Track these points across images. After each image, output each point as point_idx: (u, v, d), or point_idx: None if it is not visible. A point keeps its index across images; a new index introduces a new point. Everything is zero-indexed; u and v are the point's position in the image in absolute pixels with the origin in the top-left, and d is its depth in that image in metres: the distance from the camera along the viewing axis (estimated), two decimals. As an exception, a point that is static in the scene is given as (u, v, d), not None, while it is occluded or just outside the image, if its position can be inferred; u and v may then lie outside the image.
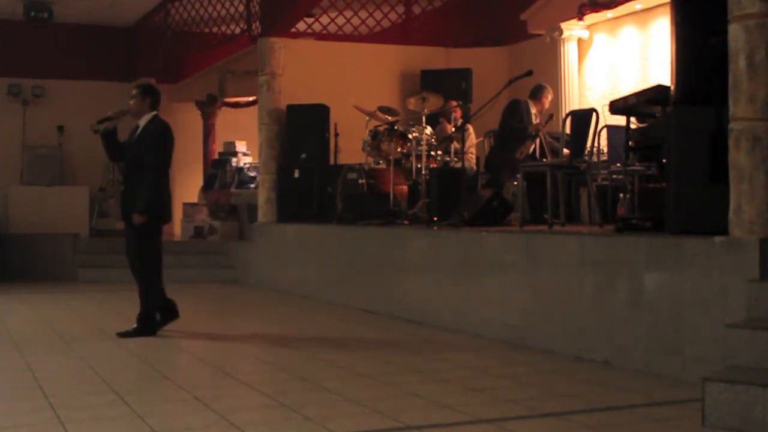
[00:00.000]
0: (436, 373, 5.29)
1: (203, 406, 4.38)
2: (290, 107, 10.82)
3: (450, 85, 11.02)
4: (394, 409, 4.27)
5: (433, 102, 9.33)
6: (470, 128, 9.79)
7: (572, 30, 10.50)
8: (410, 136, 9.17)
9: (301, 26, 11.62)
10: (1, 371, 5.54)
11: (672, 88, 5.47)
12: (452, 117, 10.18)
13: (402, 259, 7.77)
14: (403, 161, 9.42)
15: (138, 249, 6.69)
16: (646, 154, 6.69)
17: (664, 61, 7.91)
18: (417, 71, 11.47)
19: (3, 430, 3.98)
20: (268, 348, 6.45)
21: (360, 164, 9.70)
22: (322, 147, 10.68)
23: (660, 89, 6.06)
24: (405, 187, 9.38)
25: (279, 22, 10.80)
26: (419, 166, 9.06)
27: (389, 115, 9.70)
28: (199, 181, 14.44)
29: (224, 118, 14.87)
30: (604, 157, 8.09)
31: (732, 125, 4.63)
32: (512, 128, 8.46)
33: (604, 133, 7.91)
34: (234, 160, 13.58)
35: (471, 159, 9.68)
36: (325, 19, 11.79)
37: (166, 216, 6.86)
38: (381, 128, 9.47)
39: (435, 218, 8.12)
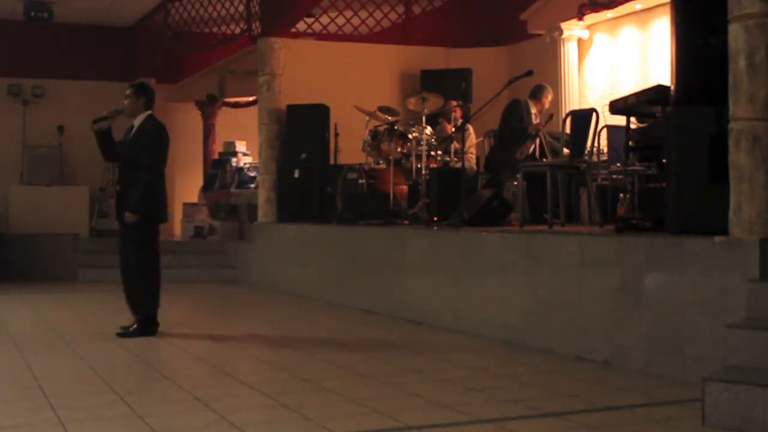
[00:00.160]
0: (436, 373, 5.29)
1: (203, 406, 4.38)
2: (290, 107, 10.83)
3: (450, 85, 11.02)
4: (394, 409, 4.27)
5: (433, 102, 9.33)
6: (470, 128, 9.79)
7: (572, 30, 10.50)
8: (410, 136, 9.17)
9: (301, 26, 11.62)
10: (1, 371, 5.54)
11: (672, 88, 5.47)
12: (452, 117, 10.18)
13: (402, 259, 7.77)
14: (403, 161, 9.43)
15: (136, 250, 6.68)
16: (646, 154, 6.69)
17: (664, 61, 7.91)
18: (417, 71, 11.47)
19: (3, 430, 3.98)
20: (268, 348, 6.45)
21: (360, 164, 9.70)
22: (322, 147, 10.68)
23: (660, 89, 6.06)
24: (405, 187, 9.38)
25: (279, 22, 10.80)
26: (419, 166, 9.06)
27: (389, 115, 9.70)
28: (199, 181, 14.44)
29: (224, 118, 14.87)
30: (604, 157, 8.09)
31: (732, 125, 4.63)
32: (512, 128, 8.46)
33: (604, 133, 7.91)
34: (234, 160, 13.59)
35: (471, 159, 9.68)
36: (325, 19, 11.80)
37: (162, 216, 6.85)
38: (381, 128, 9.47)
39: (435, 218, 8.12)
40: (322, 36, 11.85)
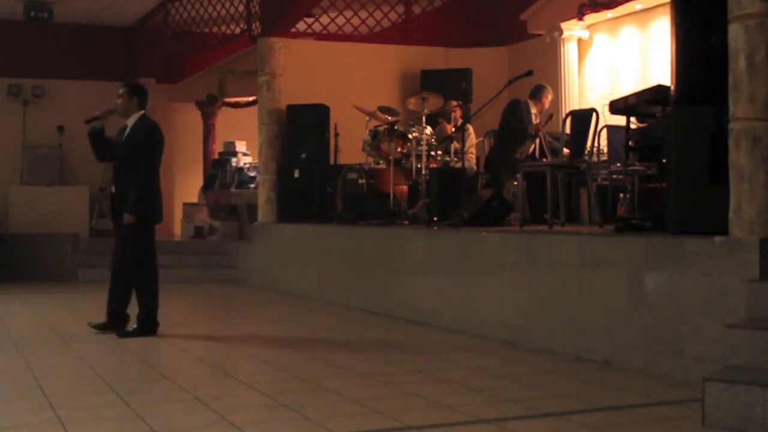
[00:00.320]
0: (436, 373, 5.29)
1: (203, 406, 4.38)
2: (290, 107, 10.83)
3: (450, 85, 11.02)
4: (394, 409, 4.27)
5: (433, 102, 9.33)
6: (470, 128, 9.79)
7: (572, 30, 10.50)
8: (410, 136, 9.17)
9: (301, 26, 11.62)
10: (1, 371, 5.54)
11: (672, 88, 5.47)
12: (452, 117, 10.18)
13: (402, 259, 7.77)
14: (403, 161, 9.43)
15: (134, 250, 6.67)
16: (646, 154, 6.70)
17: (664, 61, 7.91)
18: (417, 71, 11.47)
19: (3, 430, 3.98)
20: (268, 348, 6.45)
21: (360, 164, 9.70)
22: (322, 147, 10.68)
23: (660, 89, 6.06)
24: (405, 187, 9.38)
25: (279, 22, 10.80)
26: (419, 166, 9.06)
27: (389, 115, 9.70)
28: (199, 181, 14.44)
29: (224, 118, 14.87)
30: (604, 157, 8.09)
31: (732, 125, 4.63)
32: (512, 128, 8.46)
33: (604, 133, 7.91)
34: (234, 160, 13.58)
35: (471, 159, 9.68)
36: (325, 19, 11.80)
37: (158, 216, 6.85)
38: (381, 128, 9.47)
39: (435, 218, 8.12)
40: (322, 36, 11.84)
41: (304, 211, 10.50)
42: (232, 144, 13.79)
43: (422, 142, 9.00)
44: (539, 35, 10.89)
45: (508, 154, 8.39)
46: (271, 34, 10.89)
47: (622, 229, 5.85)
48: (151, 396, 4.79)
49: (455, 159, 9.41)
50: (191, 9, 12.88)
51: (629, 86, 9.38)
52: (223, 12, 12.23)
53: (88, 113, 6.89)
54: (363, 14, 12.01)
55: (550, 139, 8.45)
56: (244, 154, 13.77)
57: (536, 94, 8.74)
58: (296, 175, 10.65)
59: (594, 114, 7.40)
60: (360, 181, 9.49)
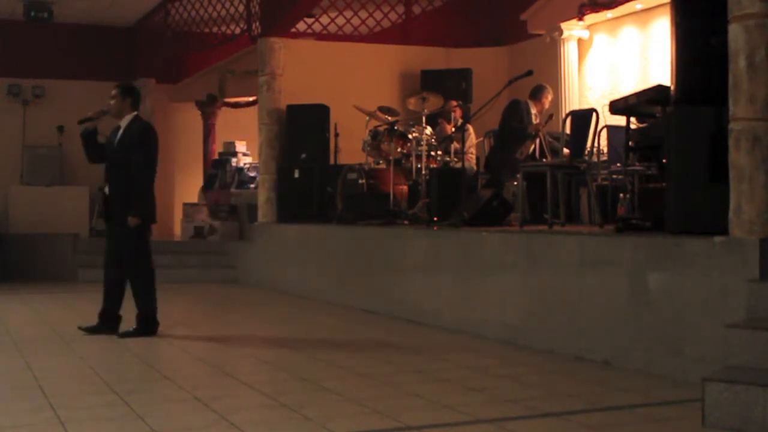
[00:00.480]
0: (436, 373, 5.29)
1: (203, 406, 4.38)
2: (290, 107, 10.83)
3: (450, 85, 11.03)
4: (394, 409, 4.27)
5: (433, 102, 9.32)
6: (470, 128, 9.79)
7: (572, 30, 10.50)
8: (410, 136, 9.17)
9: (301, 26, 11.62)
10: (1, 371, 5.54)
11: (672, 88, 5.47)
12: (452, 117, 10.18)
13: (402, 259, 7.77)
14: (403, 161, 9.43)
15: (132, 250, 6.66)
16: (646, 154, 6.69)
17: (664, 61, 7.91)
18: (417, 71, 11.47)
19: (3, 430, 3.98)
20: (268, 348, 6.45)
21: (360, 164, 9.70)
22: (322, 147, 10.68)
23: (660, 89, 6.06)
24: (405, 187, 9.37)
25: (279, 22, 10.80)
26: (419, 166, 9.06)
27: (389, 115, 9.70)
28: (199, 181, 14.44)
29: (224, 118, 14.87)
30: (604, 157, 8.09)
31: (732, 125, 4.63)
32: (512, 128, 8.46)
33: (604, 133, 7.91)
34: (234, 160, 13.58)
35: (471, 159, 9.68)
36: (325, 19, 11.80)
37: (154, 217, 6.86)
38: (381, 128, 9.47)
39: (435, 218, 8.12)
40: (322, 36, 11.85)
41: (304, 211, 10.50)
42: (232, 144, 13.79)
43: (422, 142, 9.00)
44: (539, 35, 10.89)
45: (508, 154, 8.39)
46: (271, 34, 10.89)
47: (622, 229, 5.85)
48: (151, 396, 4.79)
49: (455, 159, 9.41)
50: (191, 9, 12.88)
51: (629, 86, 9.38)
52: (223, 12, 12.23)
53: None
54: (363, 14, 12.01)
55: (550, 139, 8.45)
56: (244, 154, 13.77)
57: (536, 94, 8.75)
58: (296, 175, 10.65)
59: (594, 114, 7.40)
60: (360, 181, 9.49)
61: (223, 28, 12.64)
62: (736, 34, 4.60)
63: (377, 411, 4.23)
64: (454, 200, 8.11)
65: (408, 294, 7.63)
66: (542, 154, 8.37)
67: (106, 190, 6.74)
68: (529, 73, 7.93)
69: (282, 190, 10.77)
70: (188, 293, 10.04)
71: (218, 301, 9.62)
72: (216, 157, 14.22)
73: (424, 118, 9.12)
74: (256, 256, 11.11)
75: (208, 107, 14.75)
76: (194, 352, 6.15)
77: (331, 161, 10.64)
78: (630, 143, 6.65)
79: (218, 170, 13.62)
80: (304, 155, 10.70)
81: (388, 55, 11.66)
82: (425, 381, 5.03)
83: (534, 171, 7.66)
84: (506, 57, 11.76)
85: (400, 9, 12.21)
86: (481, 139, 9.65)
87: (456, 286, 6.95)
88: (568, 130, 7.62)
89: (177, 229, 14.06)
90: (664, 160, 5.82)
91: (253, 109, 12.35)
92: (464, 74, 11.28)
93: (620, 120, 6.88)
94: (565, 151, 7.72)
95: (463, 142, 9.57)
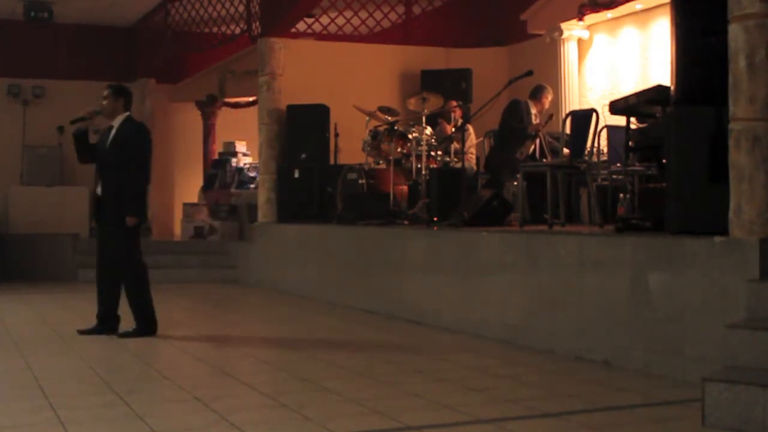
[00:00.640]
0: (436, 373, 5.29)
1: (203, 406, 4.38)
2: (290, 107, 10.83)
3: (450, 85, 11.03)
4: (394, 409, 4.27)
5: (433, 102, 9.32)
6: (470, 128, 9.80)
7: (572, 30, 10.50)
8: (410, 136, 9.17)
9: (301, 26, 11.62)
10: (1, 371, 5.53)
11: (672, 88, 5.47)
12: (452, 117, 10.18)
13: (402, 259, 7.77)
14: (403, 161, 9.43)
15: (124, 251, 6.64)
16: (646, 154, 6.69)
17: (664, 61, 7.91)
18: (417, 71, 11.47)
19: (3, 430, 3.98)
20: (268, 348, 6.45)
21: (360, 164, 9.70)
22: (322, 147, 10.68)
23: (660, 89, 6.05)
24: (405, 187, 9.38)
25: (279, 23, 10.80)
26: (419, 166, 9.06)
27: (389, 115, 9.70)
28: (199, 181, 14.44)
29: (224, 118, 14.87)
30: (604, 157, 8.09)
31: (732, 125, 4.63)
32: (512, 128, 8.46)
33: (604, 133, 7.91)
34: (234, 160, 13.59)
35: (471, 159, 9.68)
36: (325, 20, 11.79)
37: (146, 216, 6.88)
38: (381, 128, 9.46)
39: (435, 218, 8.12)
40: (322, 36, 11.84)
41: (304, 211, 10.50)
42: (232, 144, 13.79)
43: (422, 143, 9.00)
44: (539, 35, 10.90)
45: (508, 154, 8.39)
46: (271, 35, 10.89)
47: (622, 229, 5.85)
48: (151, 396, 4.79)
49: (455, 159, 9.41)
50: (191, 9, 12.88)
51: (629, 86, 9.38)
52: (223, 12, 12.23)
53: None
54: (363, 14, 12.00)
55: (550, 139, 8.45)
56: (244, 154, 13.77)
57: (536, 94, 8.75)
58: (296, 175, 10.65)
59: (594, 114, 7.40)
60: (360, 181, 9.49)
61: (223, 28, 12.64)
62: (736, 34, 4.60)
63: (377, 411, 4.23)
64: (454, 200, 8.11)
65: (408, 294, 7.63)
66: (542, 154, 8.37)
67: (98, 190, 6.73)
68: (529, 73, 7.93)
69: (282, 190, 10.77)
70: (188, 293, 10.04)
71: (218, 301, 9.62)
72: (216, 157, 14.23)
73: (424, 118, 9.12)
74: (256, 256, 11.11)
75: (208, 107, 14.76)
76: (194, 352, 6.15)
77: (331, 161, 10.64)
78: (630, 143, 6.65)
79: (218, 170, 13.62)
80: (304, 155, 10.71)
81: (388, 55, 11.67)
82: (425, 381, 5.03)
83: (534, 171, 7.66)
84: (506, 57, 11.76)
85: (400, 9, 12.21)
86: (481, 139, 9.65)
87: (456, 286, 6.95)
88: (568, 130, 7.62)
89: (177, 229, 14.06)
90: (664, 160, 5.82)
91: (253, 109, 12.35)
92: (464, 74, 11.28)
93: (620, 120, 6.88)
94: (565, 151, 7.72)
95: (463, 142, 9.57)
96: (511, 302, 6.30)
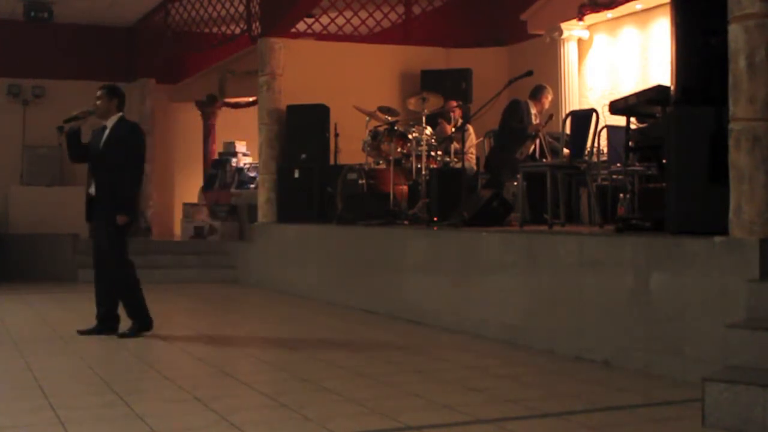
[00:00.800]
0: (436, 373, 5.29)
1: (203, 406, 4.38)
2: (290, 107, 10.83)
3: (450, 85, 11.03)
4: (394, 409, 4.27)
5: (433, 102, 9.32)
6: (470, 128, 9.80)
7: (572, 30, 10.50)
8: (410, 136, 9.17)
9: (301, 26, 11.62)
10: (1, 371, 5.53)
11: (672, 88, 5.47)
12: (451, 117, 10.18)
13: (402, 259, 7.77)
14: (403, 161, 9.43)
15: (115, 250, 6.65)
16: (646, 154, 6.69)
17: (664, 61, 7.91)
18: (417, 71, 11.47)
19: (3, 430, 3.98)
20: (268, 348, 6.45)
21: (360, 164, 9.70)
22: (322, 147, 10.68)
23: (660, 89, 6.06)
24: (405, 188, 9.38)
25: (279, 23, 10.80)
26: (419, 166, 9.06)
27: (389, 116, 9.70)
28: (199, 181, 14.44)
29: (224, 118, 14.87)
30: (604, 158, 8.09)
31: (732, 125, 4.63)
32: (512, 128, 8.46)
33: (604, 134, 7.91)
34: (234, 160, 13.59)
35: (471, 159, 9.69)
36: (325, 20, 11.80)
37: (136, 216, 6.89)
38: (381, 128, 9.46)
39: (435, 218, 8.12)
40: (322, 36, 11.84)
41: (304, 211, 10.51)
42: (232, 144, 13.80)
43: (422, 143, 8.99)
44: (539, 35, 10.89)
45: (508, 154, 8.39)
46: (271, 35, 10.89)
47: (622, 229, 5.85)
48: (151, 396, 4.79)
49: (455, 159, 9.41)
50: (191, 9, 12.88)
51: (629, 86, 9.38)
52: (223, 12, 12.23)
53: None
54: (363, 14, 12.00)
55: (550, 140, 8.45)
56: (244, 155, 13.77)
57: (536, 94, 8.75)
58: (296, 175, 10.65)
59: (594, 114, 7.40)
60: (360, 182, 9.49)
61: (223, 28, 12.64)
62: (736, 34, 4.60)
63: (377, 411, 4.23)
64: (454, 200, 8.11)
65: (408, 294, 7.63)
66: (542, 154, 8.37)
67: (92, 190, 6.73)
68: (529, 73, 7.93)
69: (282, 190, 10.77)
70: (188, 293, 10.04)
71: (218, 301, 9.62)
72: (216, 157, 14.23)
73: (424, 118, 9.12)
74: (256, 256, 11.11)
75: (208, 107, 14.76)
76: (194, 352, 6.15)
77: (331, 161, 10.64)
78: (630, 143, 6.65)
79: (218, 170, 13.62)
80: (304, 155, 10.71)
81: (388, 55, 11.66)
82: (425, 381, 5.03)
83: (534, 171, 7.66)
84: (506, 57, 11.76)
85: (400, 9, 12.21)
86: (481, 139, 9.66)
87: (456, 286, 6.95)
88: (568, 130, 7.62)
89: (177, 229, 14.06)
90: (664, 160, 5.82)
91: (253, 109, 12.35)
92: (464, 74, 11.28)
93: (620, 120, 6.88)
94: (565, 151, 7.72)
95: (463, 142, 9.57)
96: (511, 302, 6.30)
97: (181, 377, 5.22)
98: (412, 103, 9.44)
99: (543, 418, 4.15)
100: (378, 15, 12.09)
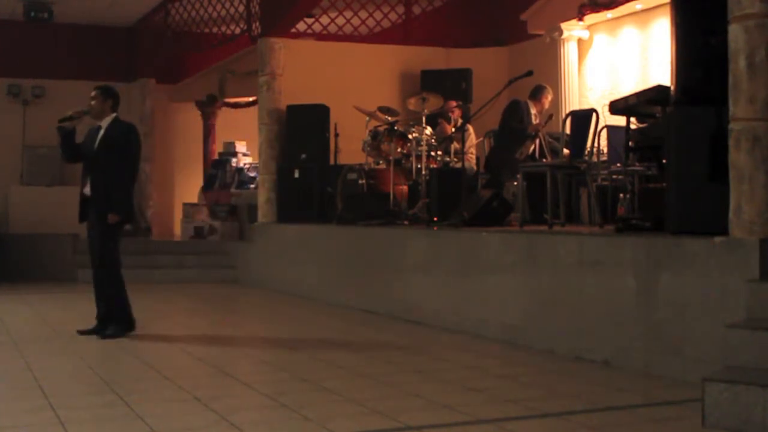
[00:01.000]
0: (436, 373, 5.29)
1: (203, 406, 4.38)
2: (290, 107, 10.83)
3: (450, 85, 11.03)
4: (394, 409, 4.27)
5: (433, 102, 9.32)
6: (470, 128, 9.79)
7: (572, 30, 10.51)
8: (410, 136, 9.17)
9: (301, 26, 11.62)
10: (1, 371, 5.54)
11: (672, 88, 5.47)
12: (451, 117, 10.18)
13: (402, 259, 7.77)
14: (403, 161, 9.43)
15: (108, 250, 6.65)
16: (646, 154, 6.70)
17: (664, 61, 7.91)
18: (417, 71, 11.47)
19: (3, 430, 3.98)
20: (268, 348, 6.46)
21: (360, 164, 9.70)
22: (322, 147, 10.68)
23: (660, 89, 6.06)
24: (405, 187, 9.38)
25: (279, 23, 10.80)
26: (419, 166, 9.06)
27: (389, 116, 9.70)
28: (199, 181, 14.44)
29: (224, 118, 14.88)
30: (604, 158, 8.09)
31: (732, 125, 4.63)
32: (512, 128, 8.46)
33: (604, 134, 7.91)
34: (234, 160, 13.59)
35: (471, 159, 9.68)
36: (325, 20, 11.80)
37: (133, 216, 6.88)
38: (381, 128, 9.46)
39: (435, 218, 8.12)
40: (322, 36, 11.85)
41: (304, 211, 10.51)
42: (232, 144, 13.79)
43: (422, 143, 9.00)
44: (539, 35, 10.90)
45: (508, 154, 8.39)
46: (271, 35, 10.89)
47: (622, 229, 5.85)
48: (151, 396, 4.79)
49: (455, 159, 9.41)
50: (191, 9, 12.88)
51: (629, 86, 9.38)
52: (223, 12, 12.23)
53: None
54: (363, 14, 12.01)
55: (550, 140, 8.45)
56: (244, 155, 13.77)
57: (536, 94, 8.75)
58: (296, 175, 10.65)
59: (594, 114, 7.40)
60: (360, 182, 9.49)
61: (223, 28, 12.64)
62: (736, 34, 4.60)
63: (377, 411, 4.23)
64: (454, 200, 8.11)
65: (408, 294, 7.63)
66: (542, 155, 8.37)
67: (86, 190, 6.72)
68: (529, 73, 7.93)
69: (282, 190, 10.77)
70: (188, 293, 10.04)
71: (218, 301, 9.62)
72: (216, 157, 14.23)
73: (424, 118, 9.12)
74: (256, 256, 11.11)
75: (208, 107, 14.75)
76: (194, 352, 6.15)
77: (331, 161, 10.64)
78: (630, 143, 6.65)
79: (218, 170, 13.62)
80: (304, 155, 10.71)
81: (388, 55, 11.67)
82: (425, 381, 5.03)
83: (534, 171, 7.66)
84: (506, 57, 11.76)
85: (400, 9, 12.21)
86: (481, 139, 9.66)
87: (456, 286, 6.95)
88: (568, 131, 7.63)
89: (177, 229, 14.06)
90: (664, 160, 5.82)
91: (253, 109, 12.35)
92: (464, 74, 11.28)
93: (620, 120, 6.88)
94: (565, 151, 7.72)
95: (463, 142, 9.57)
96: (510, 302, 6.30)
97: (181, 377, 5.22)
98: (412, 103, 9.44)
99: (543, 418, 4.15)
100: (378, 15, 12.09)
